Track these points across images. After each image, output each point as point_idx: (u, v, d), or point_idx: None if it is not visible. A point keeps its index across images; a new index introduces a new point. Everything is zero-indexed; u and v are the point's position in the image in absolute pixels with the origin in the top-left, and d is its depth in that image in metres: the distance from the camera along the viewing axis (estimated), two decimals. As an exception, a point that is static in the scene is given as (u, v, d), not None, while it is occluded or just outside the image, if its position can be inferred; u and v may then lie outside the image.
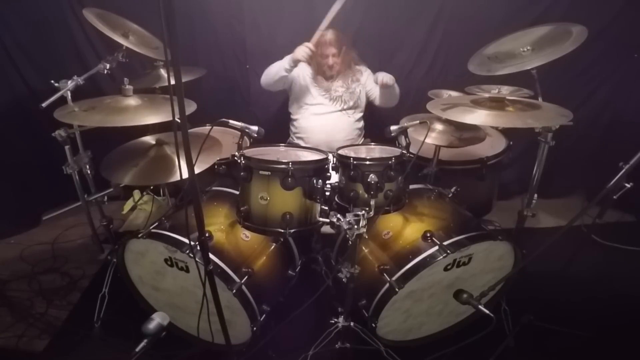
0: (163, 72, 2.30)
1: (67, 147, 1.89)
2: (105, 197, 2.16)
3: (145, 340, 1.06)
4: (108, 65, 1.91)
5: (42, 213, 2.76)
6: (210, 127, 1.38)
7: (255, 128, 1.49)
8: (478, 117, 1.56)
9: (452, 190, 1.91)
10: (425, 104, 1.74)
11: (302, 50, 2.11)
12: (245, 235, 1.67)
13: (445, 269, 1.53)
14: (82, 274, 2.22)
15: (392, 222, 1.72)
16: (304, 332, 1.68)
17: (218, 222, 1.65)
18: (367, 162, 1.48)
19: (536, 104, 1.69)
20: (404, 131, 1.58)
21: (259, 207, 1.43)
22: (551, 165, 1.92)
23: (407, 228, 1.68)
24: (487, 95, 1.81)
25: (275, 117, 2.54)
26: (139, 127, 1.64)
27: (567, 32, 1.79)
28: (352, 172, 1.48)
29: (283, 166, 1.37)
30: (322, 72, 2.30)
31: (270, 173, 1.39)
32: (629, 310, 1.95)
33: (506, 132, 2.37)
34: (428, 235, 1.55)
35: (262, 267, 1.66)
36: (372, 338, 1.63)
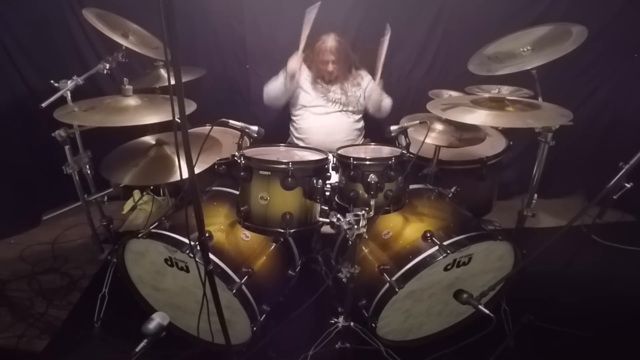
0: (163, 72, 2.30)
1: (67, 147, 1.89)
2: (105, 197, 2.16)
3: (145, 340, 1.06)
4: (108, 65, 1.91)
5: (42, 213, 2.76)
6: (210, 127, 1.38)
7: (255, 128, 1.49)
8: (478, 117, 1.56)
9: (452, 190, 1.91)
10: (425, 104, 1.74)
11: (294, 62, 2.14)
12: (245, 235, 1.67)
13: (445, 269, 1.53)
14: (82, 274, 2.22)
15: (392, 222, 1.72)
16: (304, 332, 1.68)
17: (218, 222, 1.65)
18: (367, 162, 1.48)
19: (536, 104, 1.69)
20: (404, 131, 1.58)
21: (259, 207, 1.43)
22: (551, 165, 1.92)
23: (407, 228, 1.68)
24: (487, 95, 1.81)
25: (275, 117, 2.54)
26: (139, 127, 1.64)
27: (567, 32, 1.79)
28: (352, 172, 1.48)
29: (283, 166, 1.37)
30: (322, 77, 2.30)
31: (270, 173, 1.39)
32: (629, 310, 1.95)
33: (506, 132, 2.37)
34: (428, 235, 1.55)
35: (262, 267, 1.67)
36: (372, 338, 1.63)
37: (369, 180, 1.38)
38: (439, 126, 1.89)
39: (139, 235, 1.52)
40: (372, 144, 1.88)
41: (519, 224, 1.97)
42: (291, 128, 2.46)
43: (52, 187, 2.63)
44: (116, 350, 1.72)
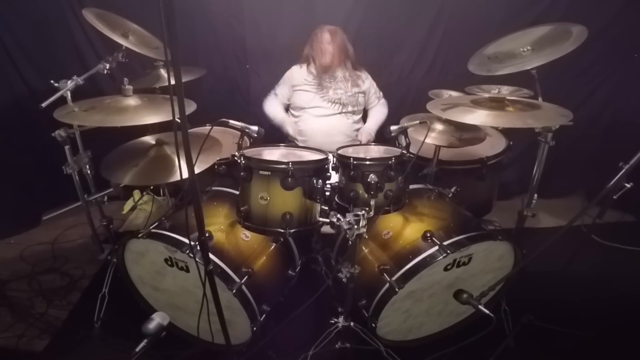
0: (163, 72, 2.30)
1: (67, 147, 1.89)
2: (105, 197, 2.16)
3: (145, 340, 1.06)
4: (108, 65, 1.91)
5: (42, 213, 2.76)
6: (210, 127, 1.38)
7: (255, 128, 1.49)
8: (478, 117, 1.56)
9: (452, 190, 1.91)
10: (425, 104, 1.74)
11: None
12: (245, 235, 1.67)
13: (445, 269, 1.53)
14: (82, 274, 2.22)
15: (392, 222, 1.72)
16: (304, 332, 1.68)
17: (218, 222, 1.65)
18: (367, 162, 1.48)
19: (536, 104, 1.69)
20: (404, 131, 1.58)
21: (259, 207, 1.43)
22: (551, 165, 1.92)
23: (407, 228, 1.68)
24: (487, 95, 1.81)
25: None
26: (139, 127, 1.64)
27: (567, 32, 1.79)
28: (352, 172, 1.48)
29: (283, 166, 1.37)
30: (320, 65, 2.29)
31: (270, 173, 1.39)
32: (629, 310, 1.95)
33: (506, 132, 2.37)
34: (428, 235, 1.55)
35: (262, 267, 1.66)
36: (372, 338, 1.63)
37: (369, 180, 1.38)
38: (439, 126, 1.89)
39: (139, 235, 1.52)
40: (372, 144, 1.88)
41: (519, 224, 1.97)
42: None
43: (52, 187, 2.63)
44: (116, 350, 1.72)
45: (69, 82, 1.79)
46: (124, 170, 1.60)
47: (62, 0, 2.39)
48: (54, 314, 1.95)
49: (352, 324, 1.58)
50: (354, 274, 1.43)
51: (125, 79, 1.71)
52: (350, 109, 2.34)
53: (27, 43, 2.46)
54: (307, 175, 1.41)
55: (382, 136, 1.64)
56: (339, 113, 2.33)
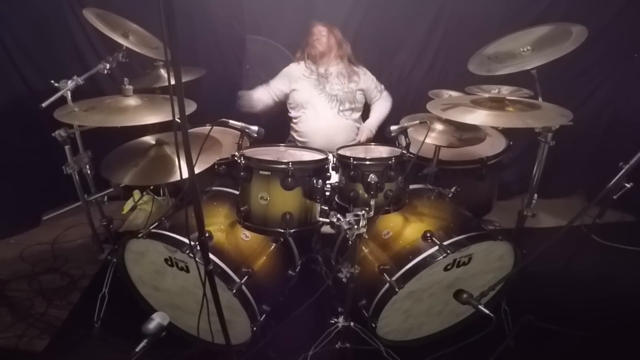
0: (163, 72, 2.30)
1: (67, 147, 1.89)
2: (105, 197, 2.15)
3: (145, 340, 1.06)
4: (108, 65, 1.91)
5: (42, 213, 2.77)
6: (210, 127, 1.38)
7: (255, 128, 1.49)
8: (478, 117, 1.56)
9: (452, 190, 1.91)
10: (425, 104, 1.74)
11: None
12: (245, 235, 1.67)
13: (445, 269, 1.53)
14: (82, 274, 2.22)
15: (392, 222, 1.72)
16: (304, 332, 1.68)
17: (218, 222, 1.65)
18: (367, 162, 1.48)
19: (536, 104, 1.69)
20: (404, 131, 1.58)
21: (259, 207, 1.43)
22: (551, 165, 1.93)
23: (407, 228, 1.68)
24: (487, 95, 1.81)
25: (275, 117, 2.53)
26: (139, 127, 1.64)
27: (567, 32, 1.79)
28: (352, 172, 1.48)
29: (283, 166, 1.37)
30: (313, 52, 2.31)
31: (270, 173, 1.39)
32: (629, 310, 1.95)
33: (506, 132, 2.37)
34: (428, 235, 1.55)
35: (262, 267, 1.66)
36: (372, 338, 1.63)
37: (369, 180, 1.38)
38: (439, 126, 1.89)
39: (139, 235, 1.52)
40: (372, 144, 1.88)
41: (519, 224, 1.97)
42: (291, 133, 2.46)
43: (52, 187, 2.63)
44: (116, 350, 1.72)
45: (69, 82, 1.79)
46: (124, 170, 1.60)
47: (62, 0, 2.39)
48: (54, 314, 1.95)
49: (352, 324, 1.58)
50: (354, 274, 1.43)
51: (126, 79, 1.71)
52: (347, 105, 2.33)
53: (27, 43, 2.46)
54: (307, 175, 1.41)
55: (382, 136, 1.63)
56: (338, 111, 2.32)
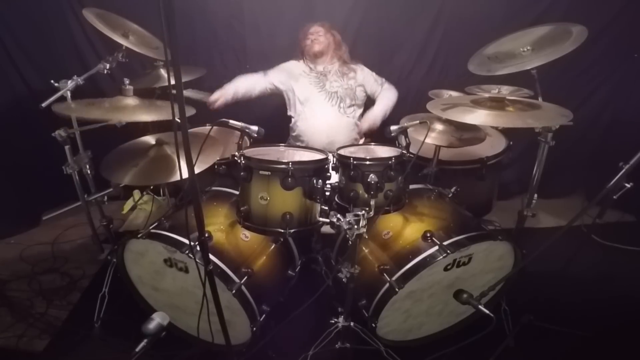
0: (163, 72, 2.30)
1: (67, 147, 1.89)
2: (105, 197, 2.16)
3: (145, 340, 1.06)
4: (108, 65, 1.91)
5: (42, 213, 2.77)
6: (210, 127, 1.38)
7: (255, 128, 1.49)
8: (478, 117, 1.56)
9: (452, 190, 1.91)
10: (425, 104, 1.74)
11: (215, 95, 2.24)
12: (245, 236, 1.67)
13: (445, 269, 1.53)
14: (82, 274, 2.22)
15: (392, 222, 1.72)
16: (304, 332, 1.68)
17: (218, 222, 1.65)
18: (367, 162, 1.48)
19: (536, 104, 1.69)
20: (404, 131, 1.58)
21: (259, 207, 1.43)
22: (551, 165, 1.92)
23: (407, 228, 1.68)
24: (487, 95, 1.80)
25: (275, 117, 2.54)
26: (139, 127, 1.64)
27: (567, 32, 1.79)
28: (352, 172, 1.48)
29: (283, 166, 1.37)
30: (307, 51, 2.31)
31: (270, 173, 1.39)
32: (629, 310, 1.95)
33: (506, 132, 2.37)
34: (428, 235, 1.55)
35: (262, 267, 1.66)
36: (372, 338, 1.63)
37: (369, 180, 1.38)
38: (439, 126, 1.89)
39: (139, 236, 1.52)
40: (372, 144, 1.88)
41: (519, 224, 1.97)
42: (291, 133, 2.45)
43: (52, 187, 2.63)
44: (116, 350, 1.72)
45: (69, 82, 1.79)
46: (124, 170, 1.60)
47: (62, 0, 2.39)
48: (54, 314, 1.95)
49: (352, 324, 1.58)
50: (354, 274, 1.43)
51: (125, 79, 1.71)
52: (348, 102, 2.32)
53: (27, 43, 2.46)
54: (307, 175, 1.41)
55: (382, 136, 1.63)
56: (339, 108, 2.32)
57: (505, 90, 2.12)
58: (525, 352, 1.73)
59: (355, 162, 1.47)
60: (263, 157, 1.46)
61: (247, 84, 2.32)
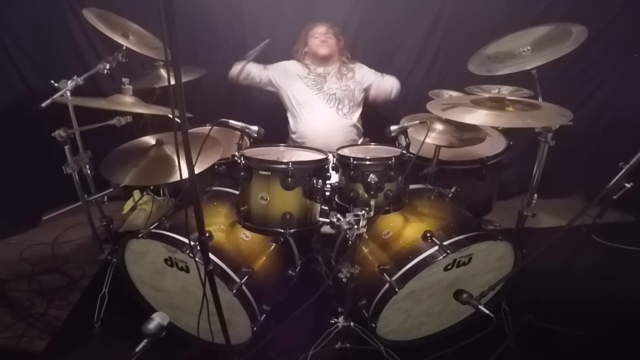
0: (163, 72, 2.30)
1: (67, 147, 1.89)
2: (105, 197, 2.15)
3: (145, 340, 1.06)
4: (108, 65, 1.91)
5: (42, 213, 2.77)
6: (210, 127, 1.38)
7: (255, 128, 1.49)
8: (478, 117, 1.56)
9: (452, 190, 1.91)
10: (425, 104, 1.74)
11: (236, 68, 2.27)
12: (245, 235, 1.67)
13: (445, 269, 1.53)
14: (82, 274, 2.22)
15: (392, 222, 1.72)
16: (304, 332, 1.68)
17: (218, 222, 1.65)
18: (367, 162, 1.48)
19: (536, 104, 1.69)
20: (404, 131, 1.58)
21: (259, 207, 1.43)
22: (551, 165, 1.92)
23: (407, 228, 1.68)
24: (487, 95, 1.81)
25: (275, 117, 2.54)
26: (139, 127, 1.64)
27: (567, 32, 1.79)
28: (352, 172, 1.48)
29: (283, 166, 1.37)
30: (315, 53, 2.30)
31: (270, 173, 1.39)
32: (629, 310, 1.95)
33: (506, 132, 2.37)
34: (428, 235, 1.55)
35: (262, 267, 1.67)
36: (372, 338, 1.63)
37: (369, 180, 1.38)
38: (439, 126, 1.89)
39: (139, 235, 1.52)
40: (372, 144, 1.88)
41: (519, 224, 1.96)
42: (290, 135, 2.45)
43: (52, 187, 2.62)
44: (116, 350, 1.72)
45: (69, 82, 1.79)
46: (124, 170, 1.60)
47: (62, 0, 2.39)
48: (54, 314, 1.95)
49: (352, 324, 1.58)
50: (354, 274, 1.43)
51: (125, 78, 1.71)
52: (347, 103, 2.32)
53: (27, 43, 2.46)
54: (307, 175, 1.41)
55: (382, 136, 1.63)
56: (337, 110, 2.31)
57: (505, 90, 2.12)
58: (525, 352, 1.73)
59: (355, 162, 1.47)
60: (263, 157, 1.46)
61: (256, 69, 2.34)
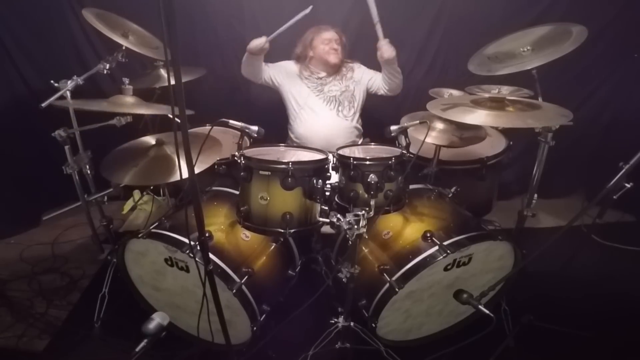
0: (163, 72, 2.30)
1: (67, 147, 1.89)
2: (105, 197, 2.16)
3: (145, 340, 1.06)
4: (108, 65, 1.91)
5: (42, 213, 2.76)
6: (210, 127, 1.38)
7: (255, 128, 1.49)
8: (478, 117, 1.56)
9: (452, 190, 1.91)
10: (425, 104, 1.74)
11: (257, 41, 2.09)
12: (245, 235, 1.67)
13: (445, 269, 1.53)
14: (82, 274, 2.22)
15: (392, 222, 1.72)
16: (304, 332, 1.68)
17: (218, 222, 1.65)
18: (367, 162, 1.48)
19: (536, 104, 1.69)
20: (404, 131, 1.58)
21: (259, 207, 1.43)
22: (551, 165, 1.92)
23: (407, 228, 1.68)
24: (487, 95, 1.81)
25: (275, 117, 2.54)
26: (139, 127, 1.64)
27: (567, 32, 1.79)
28: (352, 172, 1.48)
29: (283, 166, 1.37)
30: (325, 61, 2.27)
31: (270, 173, 1.39)
32: (629, 310, 1.95)
33: (506, 132, 2.37)
34: (428, 235, 1.55)
35: (262, 267, 1.67)
36: (372, 338, 1.63)
37: (369, 180, 1.38)
38: (439, 125, 1.89)
39: (139, 235, 1.52)
40: (372, 144, 1.88)
41: (519, 224, 1.97)
42: (290, 135, 2.45)
43: (52, 187, 2.63)
44: (116, 350, 1.72)
45: (69, 82, 1.79)
46: (124, 170, 1.60)
47: (62, 0, 2.39)
48: (54, 314, 1.95)
49: (352, 324, 1.58)
50: (354, 274, 1.43)
51: (125, 78, 1.71)
52: (347, 105, 2.32)
53: (27, 43, 2.46)
54: (307, 175, 1.41)
55: (382, 136, 1.63)
56: (337, 112, 2.31)
57: (505, 90, 2.13)
58: (525, 352, 1.73)
59: (355, 162, 1.47)
60: (263, 157, 1.46)
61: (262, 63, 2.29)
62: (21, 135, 2.55)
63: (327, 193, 1.53)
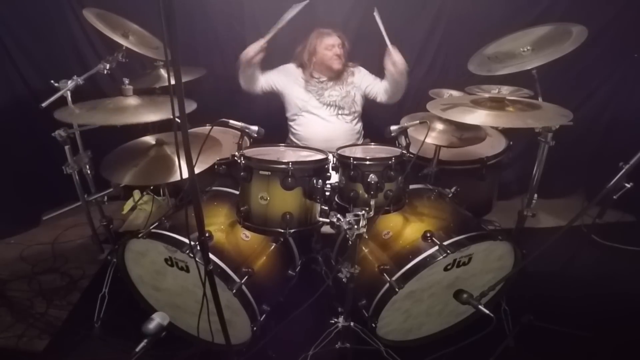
0: (163, 72, 2.30)
1: (67, 147, 1.89)
2: (105, 197, 2.16)
3: (145, 340, 1.06)
4: (108, 65, 1.91)
5: (42, 213, 2.76)
6: (210, 127, 1.38)
7: (255, 128, 1.49)
8: (478, 117, 1.56)
9: (452, 190, 1.91)
10: (425, 104, 1.74)
11: (252, 48, 2.11)
12: (245, 235, 1.67)
13: (445, 269, 1.53)
14: (82, 274, 2.22)
15: (392, 222, 1.72)
16: (304, 332, 1.68)
17: (218, 222, 1.65)
18: (367, 162, 1.48)
19: (536, 104, 1.69)
20: (404, 131, 1.58)
21: (259, 207, 1.43)
22: (551, 165, 1.92)
23: (407, 228, 1.68)
24: (487, 95, 1.81)
25: (275, 117, 2.54)
26: (139, 127, 1.64)
27: (567, 32, 1.79)
28: (352, 172, 1.48)
29: (283, 166, 1.37)
30: (328, 67, 2.25)
31: (270, 173, 1.39)
32: (629, 310, 1.95)
33: (506, 132, 2.37)
34: (428, 235, 1.55)
35: (262, 267, 1.67)
36: (372, 338, 1.63)
37: (369, 180, 1.38)
38: (439, 125, 1.89)
39: (139, 235, 1.52)
40: (372, 144, 1.88)
41: (519, 224, 1.97)
42: (290, 136, 2.44)
43: (52, 187, 2.63)
44: (116, 350, 1.72)
45: (69, 82, 1.79)
46: (124, 170, 1.60)
47: (62, 0, 2.39)
48: (54, 314, 1.95)
49: (352, 324, 1.58)
50: (354, 274, 1.43)
51: (125, 79, 1.71)
52: (346, 111, 2.32)
53: (27, 43, 2.46)
54: (307, 175, 1.41)
55: (382, 136, 1.63)
56: (337, 115, 2.31)
57: (505, 90, 2.13)
58: (525, 352, 1.73)
59: (355, 162, 1.47)
60: (263, 157, 1.46)
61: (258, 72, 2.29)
62: (21, 135, 2.55)
63: (327, 193, 1.53)
